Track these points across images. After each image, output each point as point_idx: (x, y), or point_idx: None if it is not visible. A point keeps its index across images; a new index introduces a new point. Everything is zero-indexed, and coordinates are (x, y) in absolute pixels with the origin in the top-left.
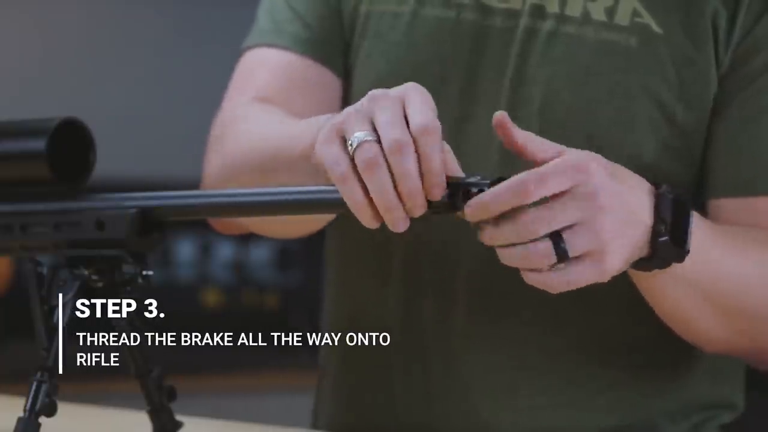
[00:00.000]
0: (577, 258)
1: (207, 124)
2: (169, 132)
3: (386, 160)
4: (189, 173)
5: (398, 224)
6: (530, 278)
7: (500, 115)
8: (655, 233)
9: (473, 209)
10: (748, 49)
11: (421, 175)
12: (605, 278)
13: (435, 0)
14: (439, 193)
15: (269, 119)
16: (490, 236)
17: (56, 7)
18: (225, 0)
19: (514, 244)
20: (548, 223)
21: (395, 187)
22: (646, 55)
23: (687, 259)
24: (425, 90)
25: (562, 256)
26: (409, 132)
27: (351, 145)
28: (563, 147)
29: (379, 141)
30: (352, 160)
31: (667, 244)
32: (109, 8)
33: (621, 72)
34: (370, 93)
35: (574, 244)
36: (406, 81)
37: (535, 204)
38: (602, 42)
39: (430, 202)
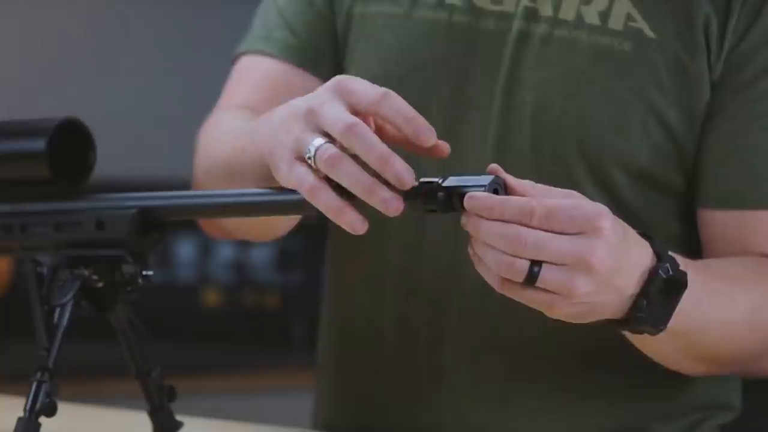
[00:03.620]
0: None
1: None
2: (170, 132)
3: (348, 155)
4: (189, 173)
5: (389, 204)
6: (482, 270)
7: (492, 168)
8: (634, 306)
9: (474, 204)
10: (739, 59)
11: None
12: (548, 314)
13: (428, 2)
14: (426, 134)
15: (234, 128)
16: (475, 226)
17: (56, 7)
18: (229, 1)
19: (491, 253)
20: (536, 252)
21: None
22: (640, 60)
23: (672, 318)
24: (349, 78)
25: (530, 280)
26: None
27: (309, 157)
28: (569, 192)
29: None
30: (316, 170)
31: (643, 320)
32: (109, 8)
33: (614, 77)
34: (304, 107)
35: (546, 278)
36: (400, 83)
37: None
38: (595, 46)
39: (427, 202)
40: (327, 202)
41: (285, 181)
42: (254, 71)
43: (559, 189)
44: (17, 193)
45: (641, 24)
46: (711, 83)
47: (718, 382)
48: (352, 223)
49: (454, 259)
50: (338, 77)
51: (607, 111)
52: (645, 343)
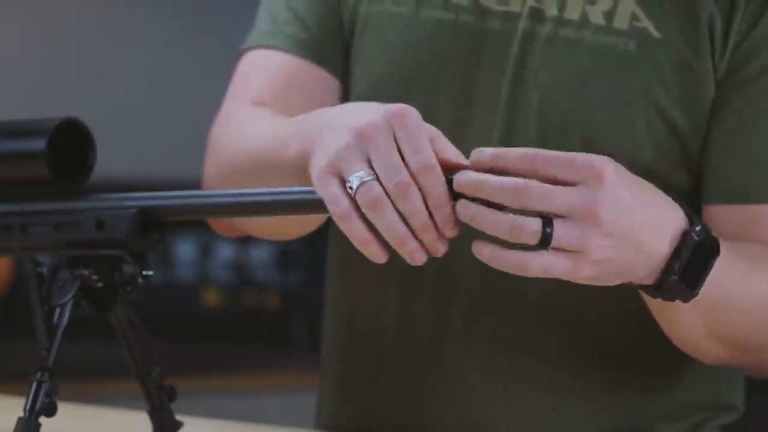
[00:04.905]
0: (556, 249)
1: (207, 124)
2: (169, 132)
3: (389, 198)
4: (189, 173)
5: (415, 256)
6: (506, 257)
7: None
8: (667, 269)
9: (480, 156)
10: (743, 56)
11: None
12: (575, 280)
13: (434, 1)
14: (451, 230)
15: (262, 122)
16: (485, 186)
17: (56, 7)
18: (228, 1)
19: (502, 217)
20: (544, 201)
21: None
22: (645, 60)
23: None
24: (413, 113)
25: (545, 239)
26: (408, 169)
27: (351, 187)
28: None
29: (378, 179)
30: (353, 199)
31: (676, 282)
32: (109, 8)
33: (619, 76)
34: (356, 127)
35: (559, 235)
36: (405, 83)
37: None
38: (600, 46)
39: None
40: (356, 232)
41: (316, 189)
42: (265, 66)
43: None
44: (17, 193)
45: (646, 23)
46: (715, 81)
47: (722, 382)
48: (375, 254)
49: (457, 259)
50: (403, 108)
51: (612, 110)
52: (669, 316)
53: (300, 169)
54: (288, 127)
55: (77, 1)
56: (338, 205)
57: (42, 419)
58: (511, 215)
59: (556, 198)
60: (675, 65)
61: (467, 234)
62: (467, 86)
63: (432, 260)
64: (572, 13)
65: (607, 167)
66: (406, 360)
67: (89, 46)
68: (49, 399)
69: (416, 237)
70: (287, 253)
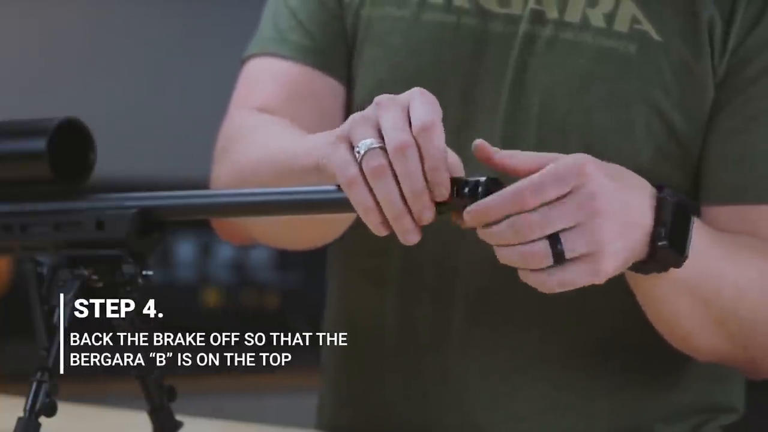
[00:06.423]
0: (573, 259)
1: (207, 124)
2: (169, 132)
3: (392, 168)
4: (189, 173)
5: (408, 234)
6: (526, 277)
7: (479, 143)
8: (654, 236)
9: (472, 216)
10: (742, 57)
11: (426, 176)
12: (601, 280)
13: (435, 4)
14: (444, 192)
15: (279, 132)
16: (488, 234)
17: (57, 7)
18: (228, 1)
19: (511, 244)
20: (544, 226)
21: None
22: (645, 63)
23: (686, 263)
24: (430, 94)
25: (558, 257)
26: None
27: (358, 152)
28: (553, 155)
29: (384, 147)
30: (360, 165)
31: (666, 248)
32: (110, 8)
33: (619, 79)
34: (376, 99)
35: (570, 245)
36: (407, 86)
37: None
38: (601, 49)
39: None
40: (362, 199)
41: (325, 157)
42: (271, 74)
43: (545, 153)
44: (17, 193)
45: (647, 26)
46: (714, 83)
47: (721, 384)
48: (377, 225)
49: (456, 260)
50: (421, 90)
51: (611, 112)
52: (662, 299)
53: (320, 177)
54: (312, 138)
55: (77, 0)
56: (346, 170)
57: (42, 419)
58: (516, 248)
59: (554, 213)
60: (675, 68)
61: (466, 236)
62: (469, 88)
63: (431, 262)
64: (573, 16)
65: (587, 164)
66: (406, 361)
67: (89, 46)
68: (49, 399)
69: (409, 209)
70: (287, 253)
